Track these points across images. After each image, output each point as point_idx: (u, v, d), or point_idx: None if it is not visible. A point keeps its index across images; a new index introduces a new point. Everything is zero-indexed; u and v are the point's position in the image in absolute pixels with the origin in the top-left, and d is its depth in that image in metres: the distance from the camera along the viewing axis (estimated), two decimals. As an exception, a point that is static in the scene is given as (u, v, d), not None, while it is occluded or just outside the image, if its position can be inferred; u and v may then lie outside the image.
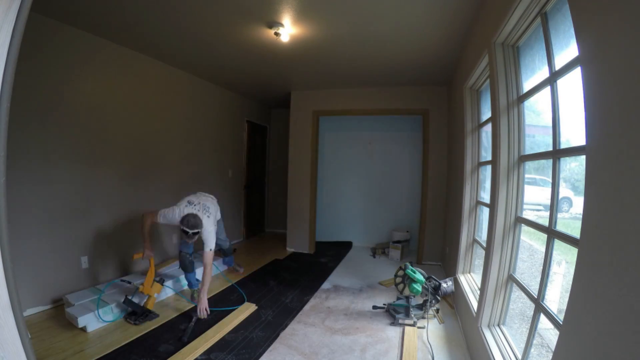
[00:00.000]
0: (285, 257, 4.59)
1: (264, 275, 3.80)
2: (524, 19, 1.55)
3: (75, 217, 2.83)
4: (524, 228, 1.81)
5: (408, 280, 2.65)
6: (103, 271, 3.07)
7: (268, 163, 6.35)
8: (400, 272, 2.75)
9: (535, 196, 1.87)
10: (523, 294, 1.66)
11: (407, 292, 2.70)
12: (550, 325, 1.36)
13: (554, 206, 1.35)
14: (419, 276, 2.62)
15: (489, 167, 2.44)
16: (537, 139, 1.78)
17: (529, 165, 1.81)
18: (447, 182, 4.16)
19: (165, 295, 3.01)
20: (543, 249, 1.43)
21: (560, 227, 1.34)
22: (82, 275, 2.87)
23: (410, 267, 2.69)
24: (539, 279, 1.44)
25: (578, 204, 1.16)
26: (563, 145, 1.34)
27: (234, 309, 2.78)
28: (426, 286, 2.63)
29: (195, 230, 2.55)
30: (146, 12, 2.45)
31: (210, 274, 2.72)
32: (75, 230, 2.82)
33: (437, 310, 2.80)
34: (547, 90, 1.43)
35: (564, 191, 1.39)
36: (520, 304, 1.90)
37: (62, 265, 2.73)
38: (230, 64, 3.70)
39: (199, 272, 3.14)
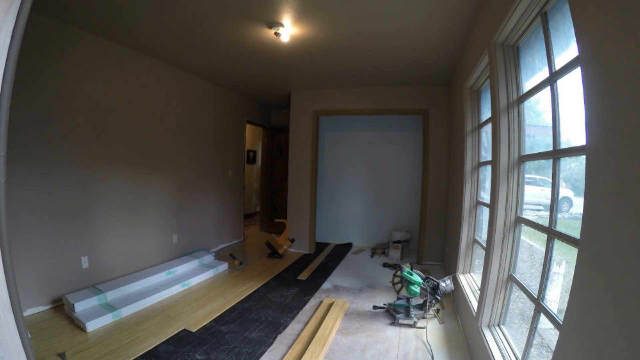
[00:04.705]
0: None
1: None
2: (524, 19, 1.55)
3: (76, 217, 2.83)
4: (524, 228, 1.81)
5: (405, 282, 2.65)
6: (103, 271, 3.07)
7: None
8: (398, 273, 2.75)
9: (535, 196, 1.87)
10: (523, 294, 1.66)
11: (404, 292, 2.70)
12: (550, 325, 1.36)
13: (554, 206, 1.35)
14: (416, 278, 2.62)
15: (489, 167, 2.43)
16: (537, 139, 1.78)
17: (529, 165, 1.81)
18: (447, 182, 4.16)
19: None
20: (543, 249, 1.43)
21: (560, 227, 1.34)
22: (82, 275, 2.87)
23: (406, 269, 2.68)
24: (539, 279, 1.44)
25: (578, 204, 1.16)
26: (563, 145, 1.34)
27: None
28: (424, 287, 2.63)
29: None
30: (146, 12, 2.45)
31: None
32: (75, 230, 2.82)
33: (438, 310, 2.80)
34: (547, 90, 1.43)
35: (564, 191, 1.39)
36: (520, 304, 1.90)
37: (62, 265, 2.73)
38: (230, 64, 3.70)
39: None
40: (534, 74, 1.69)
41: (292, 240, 4.69)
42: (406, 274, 2.64)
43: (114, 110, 3.12)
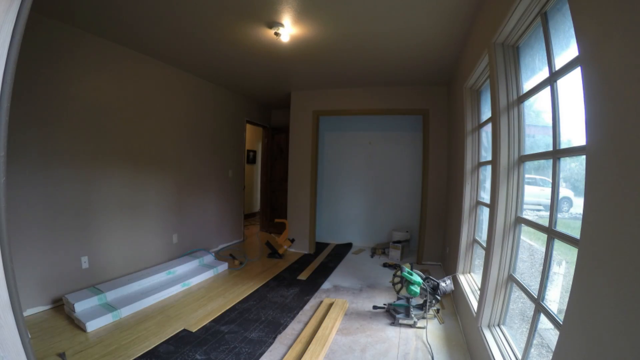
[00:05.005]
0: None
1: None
2: (524, 19, 1.55)
3: (76, 217, 2.83)
4: (524, 228, 1.81)
5: (405, 282, 2.65)
6: (103, 271, 3.07)
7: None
8: (398, 273, 2.75)
9: (535, 196, 1.87)
10: (523, 294, 1.66)
11: (404, 292, 2.70)
12: (550, 325, 1.36)
13: (554, 206, 1.35)
14: (416, 278, 2.61)
15: (489, 167, 2.43)
16: (537, 139, 1.78)
17: (529, 165, 1.81)
18: (447, 182, 4.16)
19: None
20: (543, 249, 1.43)
21: (560, 227, 1.34)
22: (82, 275, 2.87)
23: (407, 269, 2.68)
24: (539, 279, 1.44)
25: (578, 204, 1.16)
26: (563, 145, 1.34)
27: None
28: (424, 287, 2.63)
29: None
30: (146, 12, 2.44)
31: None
32: (75, 230, 2.82)
33: (438, 310, 2.80)
34: (547, 90, 1.43)
35: (564, 191, 1.39)
36: (520, 304, 1.90)
37: (62, 265, 2.73)
38: (230, 64, 3.70)
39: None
40: (534, 74, 1.69)
41: (292, 240, 4.70)
42: (406, 274, 2.64)
43: (114, 109, 3.12)
